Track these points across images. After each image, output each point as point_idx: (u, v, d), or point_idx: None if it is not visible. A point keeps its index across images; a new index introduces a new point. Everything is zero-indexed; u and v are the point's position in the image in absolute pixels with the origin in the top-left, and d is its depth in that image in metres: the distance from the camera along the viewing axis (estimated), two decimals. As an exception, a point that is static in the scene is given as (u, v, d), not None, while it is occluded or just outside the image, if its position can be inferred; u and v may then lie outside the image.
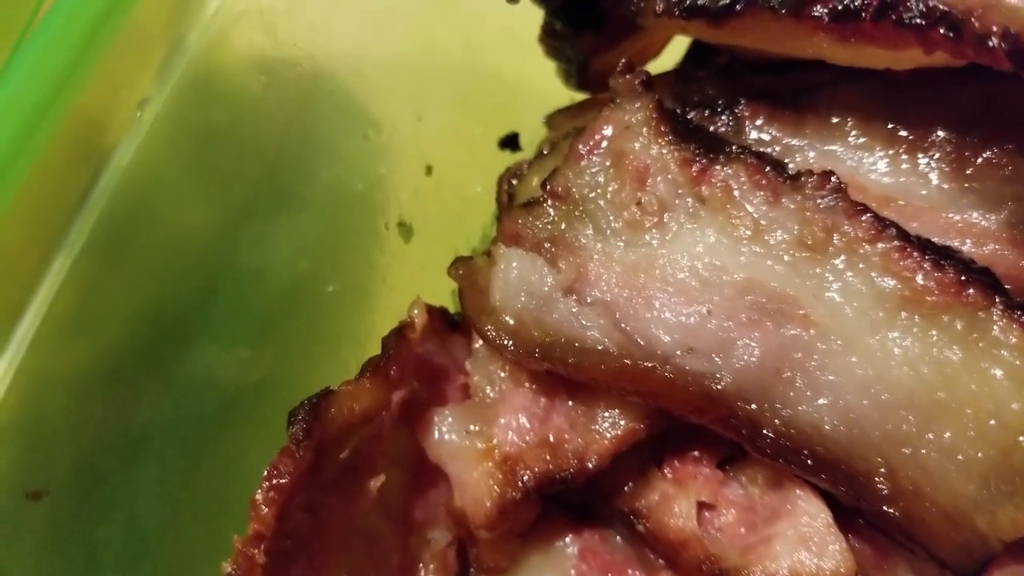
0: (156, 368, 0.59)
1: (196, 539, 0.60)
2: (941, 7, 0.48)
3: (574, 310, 0.58)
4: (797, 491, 0.53)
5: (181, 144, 0.57)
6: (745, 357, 0.52)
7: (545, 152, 0.71)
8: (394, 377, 0.59)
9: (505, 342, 0.60)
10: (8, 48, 0.51)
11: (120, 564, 0.55)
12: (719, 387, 0.52)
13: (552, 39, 0.75)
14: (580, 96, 0.80)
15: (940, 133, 0.54)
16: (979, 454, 0.47)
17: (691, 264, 0.55)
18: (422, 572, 0.62)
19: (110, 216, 0.54)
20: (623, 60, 0.66)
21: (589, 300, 0.57)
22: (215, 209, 0.61)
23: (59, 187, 0.52)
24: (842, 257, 0.51)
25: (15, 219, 0.49)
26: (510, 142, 0.82)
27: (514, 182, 0.72)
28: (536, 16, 0.73)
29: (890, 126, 0.56)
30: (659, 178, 0.58)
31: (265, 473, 0.49)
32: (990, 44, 0.45)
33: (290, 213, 0.65)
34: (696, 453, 0.58)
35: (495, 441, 0.60)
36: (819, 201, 0.52)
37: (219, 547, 0.49)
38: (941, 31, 0.48)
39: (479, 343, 0.65)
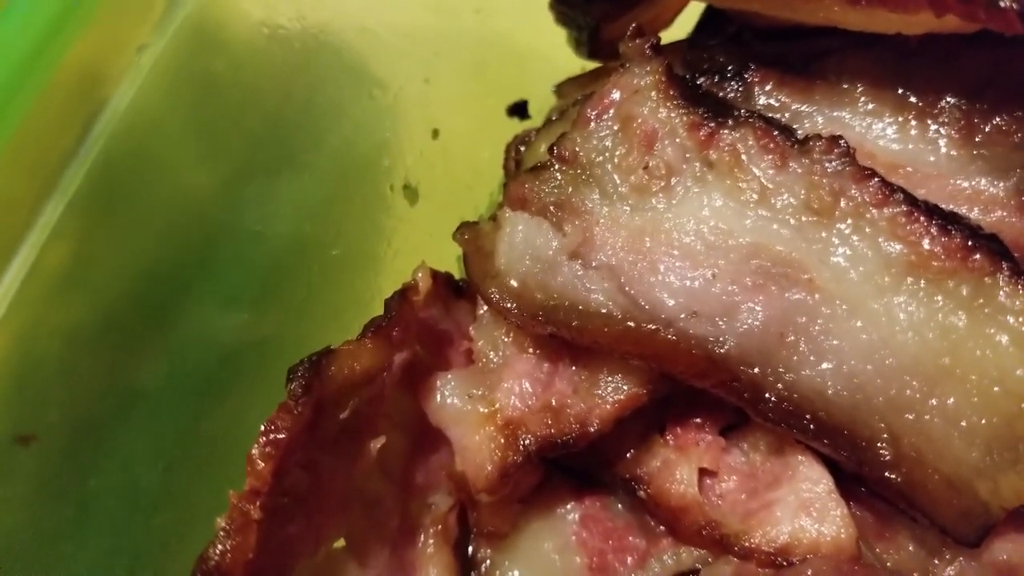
0: (153, 323, 0.58)
1: (191, 496, 0.60)
2: (954, -32, 0.47)
3: (579, 273, 0.57)
4: (799, 457, 0.53)
5: (181, 91, 0.57)
6: (749, 321, 0.52)
7: (554, 119, 0.71)
8: (396, 338, 0.59)
9: (509, 305, 0.59)
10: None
11: (112, 517, 0.55)
12: (722, 351, 0.52)
13: (562, 5, 0.74)
14: (591, 66, 0.80)
15: (949, 100, 0.54)
16: (983, 421, 0.47)
17: (697, 228, 0.55)
18: (422, 536, 0.63)
19: (106, 162, 0.53)
20: (633, 25, 0.66)
21: (594, 264, 0.57)
22: (216, 163, 0.61)
23: (55, 131, 0.52)
24: (848, 221, 0.51)
25: (8, 162, 0.49)
26: (519, 110, 0.82)
27: (522, 149, 0.71)
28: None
29: (899, 92, 0.55)
30: (667, 142, 0.57)
31: (262, 428, 0.49)
32: (1002, 4, 0.45)
33: (293, 172, 0.65)
34: (698, 420, 0.58)
35: (497, 405, 0.60)
36: (827, 165, 0.52)
37: (215, 504, 0.49)
38: (958, -5, 0.48)
39: (483, 309, 0.65)
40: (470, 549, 0.63)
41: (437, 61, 0.76)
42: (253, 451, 0.48)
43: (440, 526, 0.62)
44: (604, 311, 0.56)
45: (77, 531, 0.54)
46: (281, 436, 0.49)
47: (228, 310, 0.62)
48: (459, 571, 0.62)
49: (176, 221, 0.59)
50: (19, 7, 0.48)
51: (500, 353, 0.63)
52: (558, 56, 0.79)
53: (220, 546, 0.49)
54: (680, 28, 0.76)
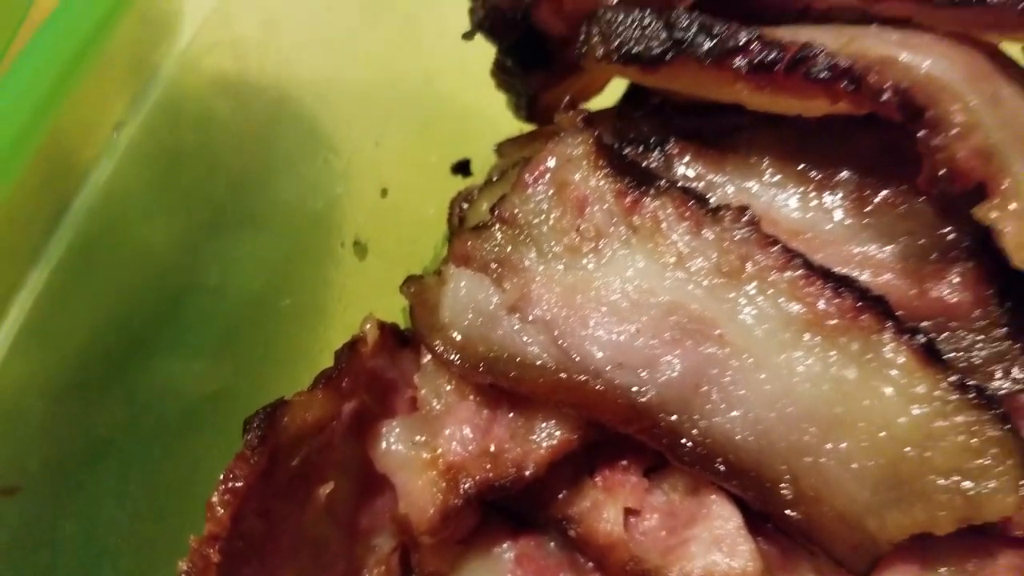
0: (121, 376, 0.62)
1: (155, 539, 0.63)
2: (844, 63, 0.54)
3: (516, 327, 0.62)
4: (712, 496, 0.58)
5: (153, 165, 0.61)
6: (668, 372, 0.57)
7: (495, 179, 0.76)
8: (345, 389, 0.63)
9: (452, 357, 0.64)
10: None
11: (82, 562, 0.58)
12: (644, 400, 0.57)
13: (503, 74, 0.80)
14: (529, 126, 0.85)
15: (844, 174, 0.60)
16: (871, 463, 0.53)
17: (623, 287, 0.60)
18: None
19: (86, 232, 0.57)
20: (567, 97, 0.72)
21: (531, 318, 0.62)
22: (182, 226, 0.65)
23: (39, 204, 0.56)
24: (754, 283, 0.57)
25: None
26: (462, 168, 0.87)
27: (465, 206, 0.76)
28: (490, 50, 0.78)
29: (801, 166, 0.61)
30: (596, 207, 0.63)
31: (221, 477, 0.53)
32: (884, 98, 0.51)
33: (251, 231, 0.69)
34: (624, 462, 0.62)
35: (439, 451, 0.64)
36: (735, 233, 0.58)
37: (176, 548, 0.53)
38: (844, 84, 0.54)
39: (427, 358, 0.69)
40: (412, 588, 0.67)
41: (387, 125, 0.82)
42: (213, 498, 0.52)
43: (383, 567, 0.66)
44: (539, 363, 0.61)
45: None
46: (239, 484, 0.53)
47: (189, 363, 0.66)
48: (403, 609, 0.66)
49: (144, 280, 0.63)
50: (6, 93, 0.52)
51: (442, 401, 0.67)
52: (498, 117, 0.84)
53: (182, 588, 0.52)
54: (611, 94, 0.82)
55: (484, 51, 0.78)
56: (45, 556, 0.57)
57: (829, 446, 0.53)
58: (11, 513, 0.56)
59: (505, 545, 0.66)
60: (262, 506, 0.56)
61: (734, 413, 0.55)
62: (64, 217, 0.57)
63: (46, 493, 0.57)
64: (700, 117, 0.67)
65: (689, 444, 0.56)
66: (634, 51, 0.63)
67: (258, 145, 0.70)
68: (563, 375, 0.60)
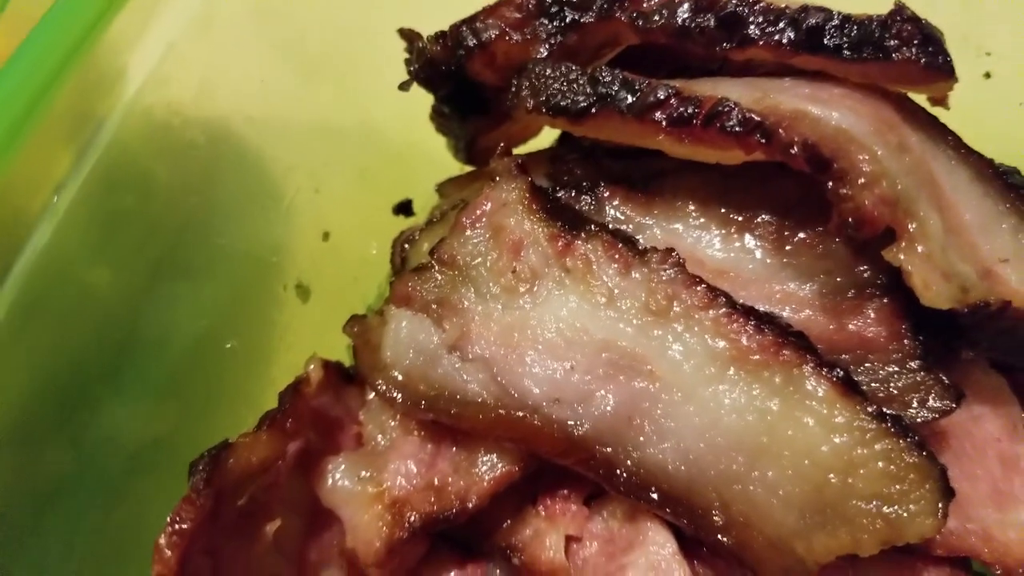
0: (66, 426, 0.63)
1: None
2: (756, 118, 0.58)
3: (456, 366, 0.65)
4: (649, 523, 0.61)
5: (93, 227, 0.62)
6: (602, 406, 0.60)
7: (435, 220, 0.78)
8: (290, 429, 0.65)
9: (395, 395, 0.66)
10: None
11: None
12: (579, 432, 0.60)
13: (441, 118, 0.83)
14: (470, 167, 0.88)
15: (764, 216, 0.64)
16: (796, 489, 0.56)
17: (558, 325, 0.63)
18: (317, 610, 0.68)
19: (28, 292, 0.58)
20: (501, 144, 0.75)
21: (470, 356, 0.64)
22: (122, 281, 0.66)
23: None
24: (681, 321, 0.60)
25: None
26: (404, 208, 0.89)
27: (407, 246, 0.79)
28: (429, 96, 0.80)
29: (723, 209, 0.65)
30: (531, 250, 0.65)
31: (168, 519, 0.54)
32: (792, 151, 0.55)
33: (193, 280, 0.71)
34: (565, 491, 0.65)
35: (385, 486, 0.66)
36: (662, 274, 0.61)
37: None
38: (756, 137, 0.58)
39: (372, 394, 0.71)
40: (361, 620, 0.68)
41: (326, 171, 0.84)
42: (160, 540, 0.53)
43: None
44: (479, 400, 0.63)
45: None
46: (185, 526, 0.54)
47: (133, 409, 0.67)
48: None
49: (87, 336, 0.64)
50: None
51: (387, 436, 0.69)
52: (441, 156, 0.87)
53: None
54: (550, 133, 0.85)
55: (424, 97, 0.80)
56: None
57: (756, 474, 0.56)
58: None
59: (452, 574, 0.68)
60: (210, 545, 0.57)
61: (665, 444, 0.58)
62: (7, 276, 0.58)
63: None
64: (629, 160, 0.70)
65: (624, 474, 0.59)
66: (561, 104, 0.66)
67: (199, 196, 0.72)
68: (502, 411, 0.62)
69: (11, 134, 0.55)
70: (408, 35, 0.78)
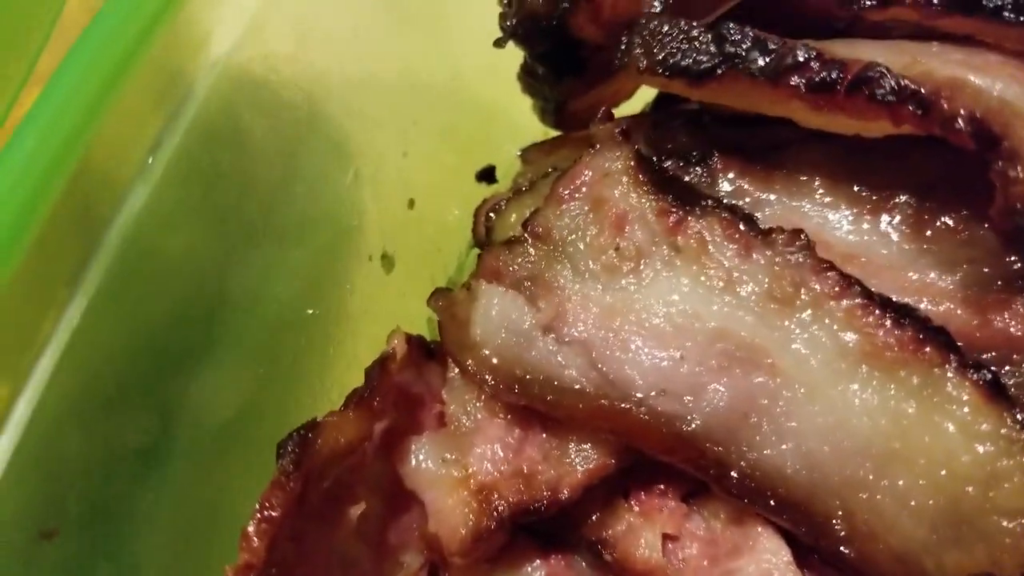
0: (154, 398, 0.60)
1: (186, 567, 0.61)
2: (911, 86, 0.52)
3: (552, 348, 0.60)
4: (759, 528, 0.56)
5: (189, 187, 0.59)
6: (715, 401, 0.55)
7: (523, 189, 0.73)
8: (377, 408, 0.61)
9: (486, 377, 0.62)
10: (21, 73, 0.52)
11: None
12: (689, 429, 0.55)
13: (532, 79, 0.77)
14: (554, 131, 0.83)
15: (902, 196, 0.58)
16: (930, 501, 0.51)
17: (666, 310, 0.58)
18: (396, 596, 0.64)
19: (122, 258, 0.55)
20: (603, 108, 0.70)
21: (567, 339, 0.60)
22: (215, 245, 0.63)
23: (73, 232, 0.53)
24: (808, 311, 0.54)
25: (32, 263, 0.50)
26: (487, 175, 0.85)
27: (492, 216, 0.74)
28: (518, 52, 0.75)
29: (855, 186, 0.59)
30: (637, 226, 0.60)
31: (257, 506, 0.51)
32: (957, 125, 0.49)
33: (282, 246, 0.67)
34: (661, 486, 0.61)
35: (470, 470, 0.62)
36: (788, 257, 0.56)
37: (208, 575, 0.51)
38: (911, 108, 0.52)
39: (454, 372, 0.67)
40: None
41: (414, 131, 0.79)
42: (249, 528, 0.50)
43: (413, 587, 0.64)
44: (577, 387, 0.58)
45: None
46: (275, 513, 0.51)
47: (220, 379, 0.64)
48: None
49: (178, 305, 0.61)
50: (39, 118, 0.49)
51: (472, 417, 0.65)
52: (524, 121, 0.82)
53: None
54: (638, 99, 0.79)
55: (512, 55, 0.75)
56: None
57: (886, 482, 0.51)
58: (47, 556, 0.53)
59: (535, 564, 0.64)
60: (295, 530, 0.54)
61: (785, 446, 0.54)
62: (100, 242, 0.54)
63: (83, 530, 0.55)
64: (742, 129, 0.65)
65: (737, 476, 0.54)
66: (682, 64, 0.61)
67: (289, 159, 0.68)
68: (604, 401, 0.57)
69: (101, 93, 0.51)
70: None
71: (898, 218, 0.58)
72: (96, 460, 0.55)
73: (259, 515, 0.50)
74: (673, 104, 0.74)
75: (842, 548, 0.52)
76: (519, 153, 0.80)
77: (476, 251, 0.76)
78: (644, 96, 0.80)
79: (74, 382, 0.53)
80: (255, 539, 0.50)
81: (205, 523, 0.62)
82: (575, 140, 0.78)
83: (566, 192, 0.64)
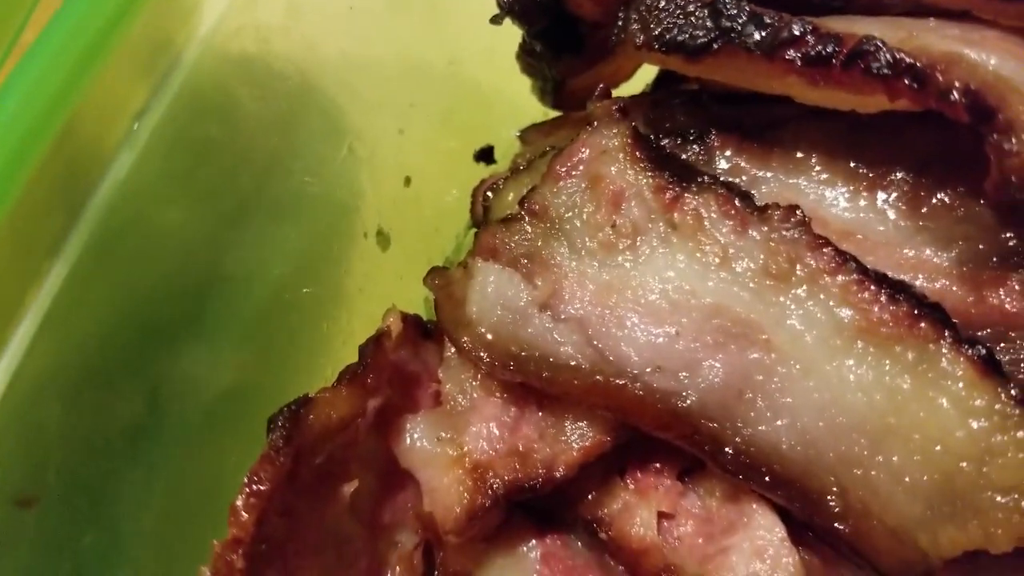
0: (142, 373, 0.60)
1: (177, 544, 0.61)
2: (907, 59, 0.51)
3: (548, 325, 0.60)
4: (753, 505, 0.56)
5: (176, 156, 0.59)
6: (710, 377, 0.55)
7: (521, 168, 0.73)
8: (371, 385, 0.61)
9: (481, 354, 0.62)
10: (3, 44, 0.52)
11: (104, 572, 0.56)
12: (684, 405, 0.55)
13: (530, 58, 0.77)
14: (553, 112, 0.83)
15: (898, 173, 0.58)
16: (924, 477, 0.51)
17: (662, 287, 0.58)
18: (389, 574, 0.64)
19: (106, 225, 0.55)
20: (600, 85, 0.69)
21: (563, 316, 0.60)
22: (204, 218, 0.62)
23: (55, 199, 0.53)
24: (804, 287, 0.54)
25: (11, 229, 0.50)
26: (485, 155, 0.85)
27: (490, 195, 0.74)
28: (516, 34, 0.75)
29: (851, 164, 0.59)
30: (633, 202, 0.60)
31: (245, 480, 0.51)
32: (951, 98, 0.49)
33: (275, 221, 0.67)
34: (657, 464, 0.60)
35: (466, 448, 0.62)
36: (784, 233, 0.55)
37: (199, 552, 0.51)
38: (906, 81, 0.52)
39: (451, 351, 0.67)
40: (435, 586, 0.65)
41: (411, 112, 0.79)
42: (237, 502, 0.50)
43: (406, 564, 0.64)
44: (573, 363, 0.58)
45: (72, 587, 0.55)
46: (264, 487, 0.51)
47: (211, 355, 0.64)
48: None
49: (166, 275, 0.61)
50: (22, 79, 0.49)
51: (468, 396, 0.65)
52: (523, 102, 0.82)
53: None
54: (638, 80, 0.79)
55: (510, 34, 0.75)
56: (66, 568, 0.54)
57: (880, 458, 0.51)
58: (29, 525, 0.53)
59: (531, 543, 0.64)
60: (285, 506, 0.54)
61: (780, 422, 0.53)
62: (84, 210, 0.54)
63: (65, 502, 0.55)
64: (740, 107, 0.65)
65: (732, 452, 0.54)
66: (678, 39, 0.60)
67: (282, 133, 0.67)
68: (599, 378, 0.57)
69: (85, 59, 0.51)
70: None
71: (894, 195, 0.58)
72: (80, 432, 0.55)
73: (248, 489, 0.50)
74: (672, 84, 0.74)
75: (837, 524, 0.52)
76: (518, 134, 0.80)
77: (474, 231, 0.76)
78: (644, 77, 0.79)
79: (55, 352, 0.53)
80: (243, 513, 0.50)
81: (195, 500, 0.62)
82: (574, 120, 0.78)
83: (563, 169, 0.64)
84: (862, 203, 0.58)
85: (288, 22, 0.67)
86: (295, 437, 0.53)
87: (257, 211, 0.66)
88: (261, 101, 0.65)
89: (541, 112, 0.84)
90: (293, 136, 0.68)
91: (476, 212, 0.77)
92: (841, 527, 0.52)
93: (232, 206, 0.64)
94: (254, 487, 0.50)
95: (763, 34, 0.57)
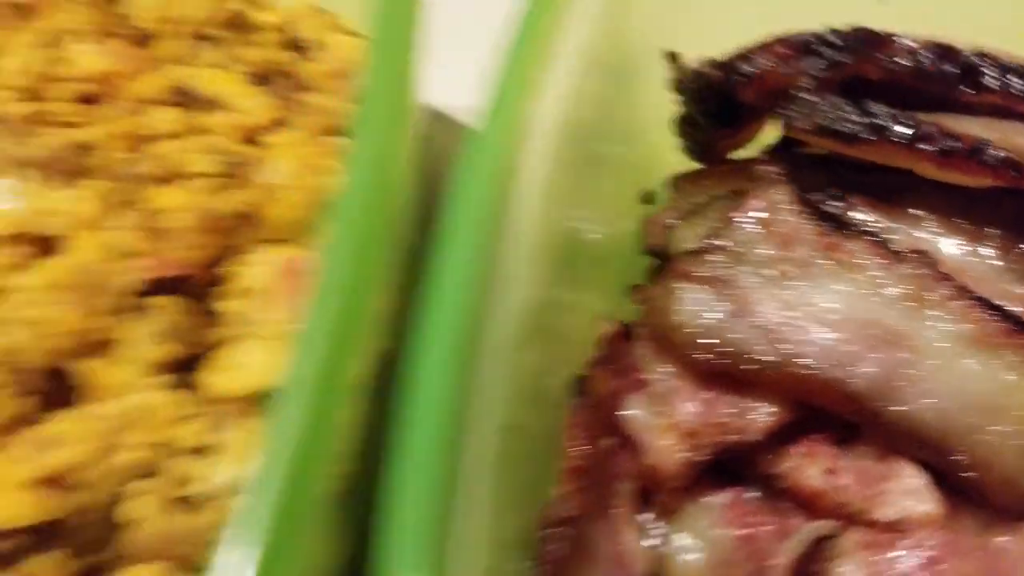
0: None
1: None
2: (1012, 156, 0.76)
3: (742, 331, 0.82)
4: (900, 462, 0.78)
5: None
6: (869, 370, 0.78)
7: (691, 211, 0.96)
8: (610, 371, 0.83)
9: (688, 352, 0.84)
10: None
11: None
12: (851, 390, 0.78)
13: (690, 128, 1.00)
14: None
15: (993, 230, 0.82)
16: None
17: (828, 305, 0.80)
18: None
19: None
20: (763, 152, 0.92)
21: (752, 325, 0.82)
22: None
23: None
24: (935, 308, 0.78)
25: None
26: (648, 198, 1.07)
27: (666, 232, 0.96)
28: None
29: (959, 222, 0.83)
30: (800, 244, 0.83)
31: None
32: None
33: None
34: (820, 436, 0.83)
35: (676, 419, 0.83)
36: (918, 271, 0.79)
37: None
38: (1010, 171, 0.76)
39: (654, 349, 0.89)
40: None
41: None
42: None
43: (629, 502, 0.86)
44: (766, 359, 0.81)
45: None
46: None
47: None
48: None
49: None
50: None
51: (669, 383, 0.87)
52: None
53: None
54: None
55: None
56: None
57: (995, 428, 0.75)
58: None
59: (717, 495, 0.86)
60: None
61: (922, 402, 0.77)
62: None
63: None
64: (871, 174, 0.88)
65: (888, 423, 0.77)
66: (837, 129, 0.84)
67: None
68: (788, 370, 0.80)
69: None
70: (674, 57, 0.96)
71: (992, 244, 0.82)
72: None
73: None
74: (794, 146, 0.98)
75: (966, 474, 0.76)
76: (668, 180, 1.02)
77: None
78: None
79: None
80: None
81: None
82: (719, 172, 1.01)
83: (739, 218, 0.86)
84: (968, 250, 0.82)
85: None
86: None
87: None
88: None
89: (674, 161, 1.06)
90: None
91: (646, 242, 0.99)
92: (969, 475, 0.76)
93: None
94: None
95: (905, 131, 0.80)
